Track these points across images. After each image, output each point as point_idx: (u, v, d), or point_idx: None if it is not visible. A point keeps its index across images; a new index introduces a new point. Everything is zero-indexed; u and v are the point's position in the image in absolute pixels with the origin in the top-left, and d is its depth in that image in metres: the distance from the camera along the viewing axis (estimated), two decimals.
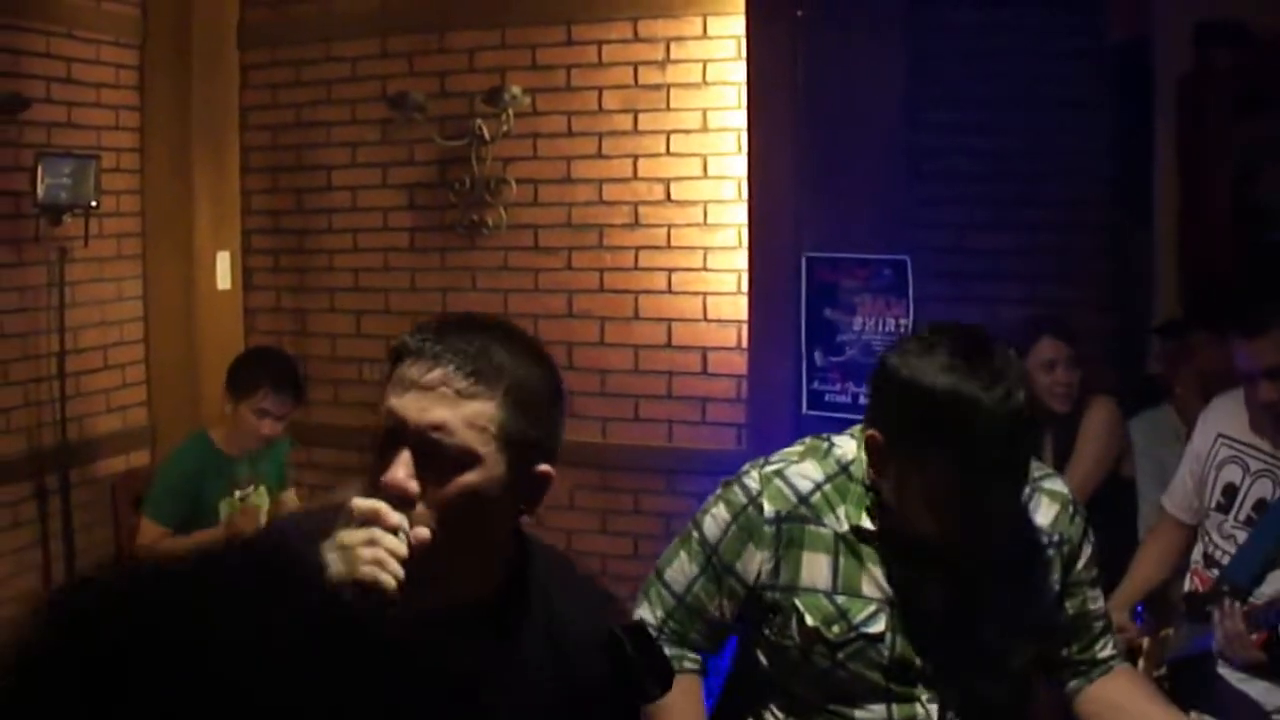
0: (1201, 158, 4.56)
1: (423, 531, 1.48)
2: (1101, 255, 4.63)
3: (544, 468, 1.58)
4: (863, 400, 4.15)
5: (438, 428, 1.49)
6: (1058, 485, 2.12)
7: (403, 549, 1.46)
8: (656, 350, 4.89)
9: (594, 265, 4.95)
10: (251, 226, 5.40)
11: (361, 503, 1.49)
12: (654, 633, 2.06)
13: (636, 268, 4.90)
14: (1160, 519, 3.38)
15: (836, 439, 2.11)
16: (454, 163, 5.07)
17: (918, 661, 2.01)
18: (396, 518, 1.47)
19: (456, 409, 1.50)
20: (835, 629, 2.01)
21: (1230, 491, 3.09)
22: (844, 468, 2.05)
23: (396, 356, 1.56)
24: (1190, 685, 3.06)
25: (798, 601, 2.03)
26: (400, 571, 1.45)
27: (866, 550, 2.02)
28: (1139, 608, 3.35)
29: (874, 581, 2.02)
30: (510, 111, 4.91)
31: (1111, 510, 3.55)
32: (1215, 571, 3.08)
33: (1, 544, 4.67)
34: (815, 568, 2.03)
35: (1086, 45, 4.59)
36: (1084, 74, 4.57)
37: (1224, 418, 3.18)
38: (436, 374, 1.51)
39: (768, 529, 2.04)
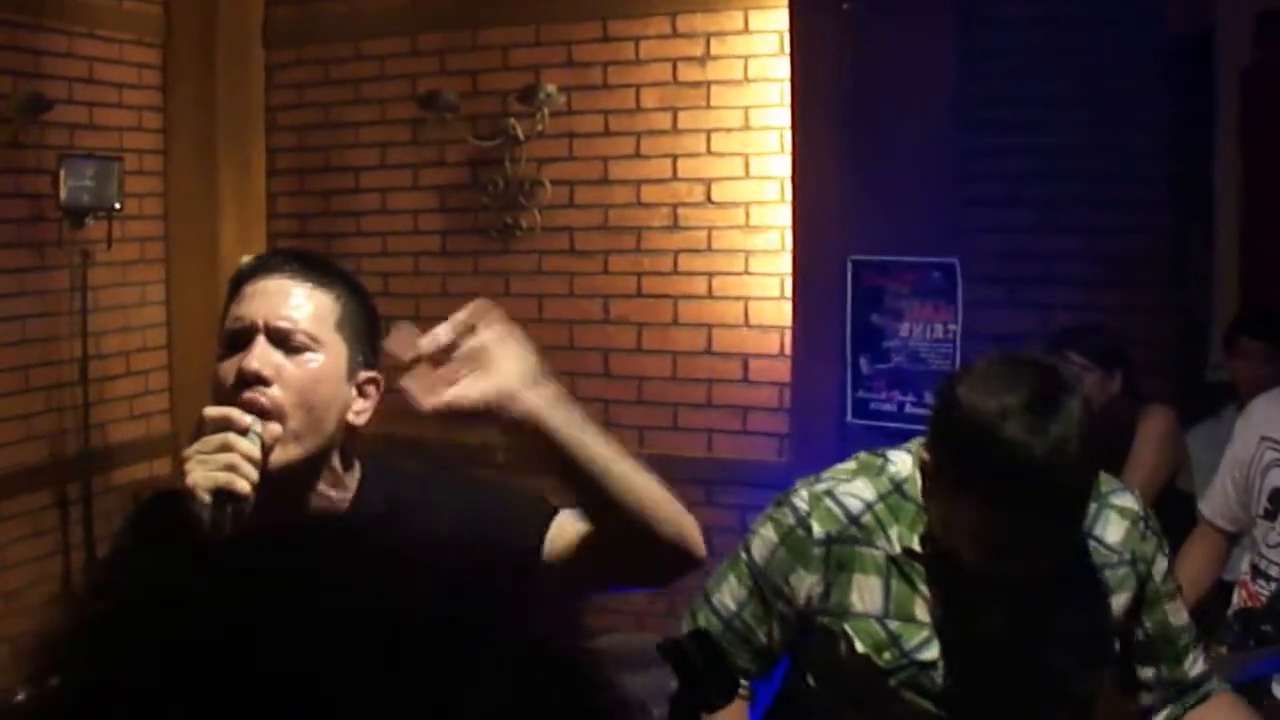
0: (1265, 154, 4.59)
1: (275, 427, 1.67)
2: (1160, 258, 4.66)
3: (373, 374, 1.81)
4: (909, 409, 4.28)
5: (286, 318, 1.73)
6: (1128, 500, 2.11)
7: (256, 451, 1.63)
8: (696, 357, 4.97)
9: (631, 269, 5.04)
10: (277, 230, 5.53)
11: (212, 410, 1.66)
12: None
13: (675, 271, 4.98)
14: (1199, 527, 3.39)
15: (892, 454, 2.12)
16: (487, 164, 5.19)
17: (973, 690, 2.02)
18: (248, 420, 1.64)
19: (302, 302, 1.75)
20: (886, 655, 2.02)
21: (1277, 497, 3.10)
22: (898, 486, 2.06)
23: (232, 292, 1.79)
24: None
25: (848, 627, 2.04)
26: (254, 474, 1.61)
27: (920, 572, 2.03)
28: None
29: (928, 606, 2.03)
30: (545, 110, 5.03)
31: (1169, 525, 3.59)
32: (1263, 584, 3.11)
33: (22, 552, 4.81)
34: (866, 591, 2.04)
35: (1145, 38, 4.62)
36: (1142, 69, 4.60)
37: (1267, 420, 3.19)
38: (278, 278, 1.76)
39: (817, 551, 2.05)
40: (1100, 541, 2.07)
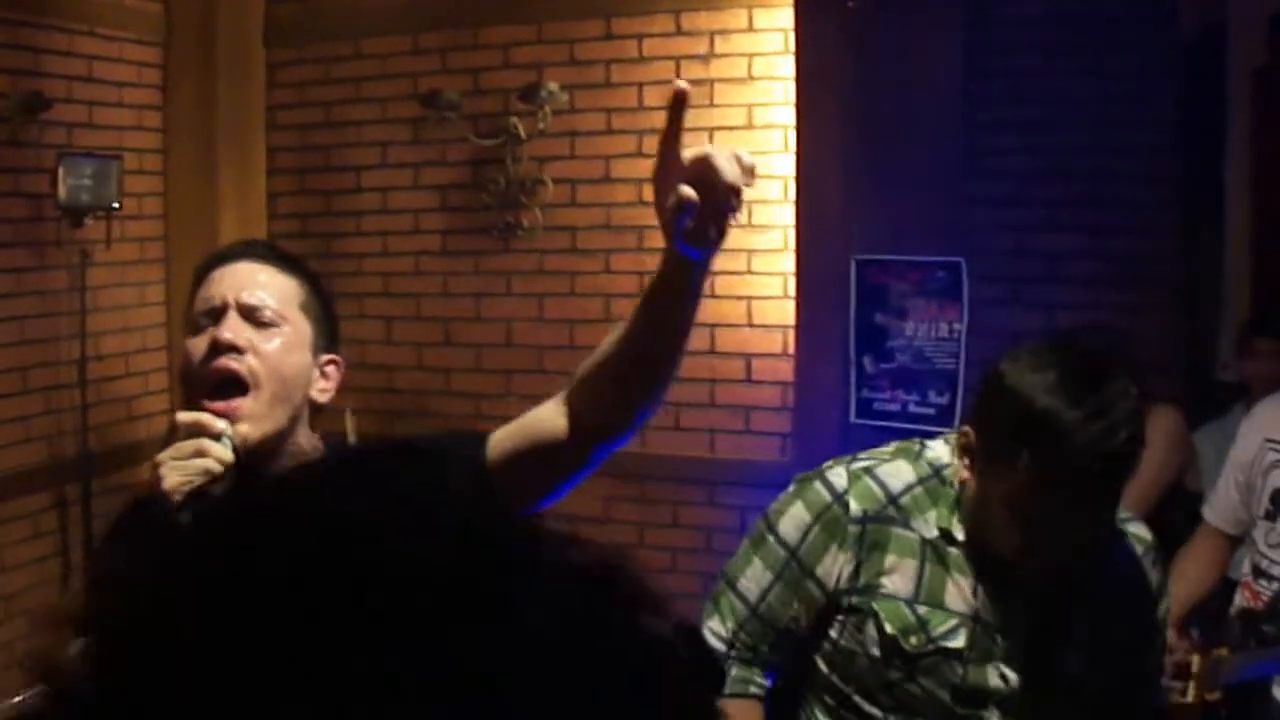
0: (1277, 154, 4.60)
1: (244, 428, 1.76)
2: (1169, 258, 4.67)
3: (333, 356, 1.94)
4: (913, 409, 4.28)
5: (254, 295, 1.86)
6: (1142, 530, 2.17)
7: (228, 454, 1.71)
8: (698, 356, 4.96)
9: (633, 268, 5.04)
10: (278, 230, 5.53)
11: (185, 416, 1.75)
12: (724, 647, 2.10)
13: None
14: (1201, 529, 3.43)
15: (929, 442, 2.16)
16: (488, 163, 5.21)
17: (992, 684, 2.04)
18: (220, 424, 1.73)
19: (267, 282, 1.89)
20: (913, 640, 2.04)
21: (1278, 498, 3.15)
22: (937, 471, 2.09)
23: (198, 280, 1.92)
24: (1246, 710, 3.11)
25: (876, 607, 2.05)
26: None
27: (954, 558, 2.05)
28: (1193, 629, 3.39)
29: (959, 593, 2.05)
30: (547, 109, 5.04)
31: (1175, 525, 3.61)
32: (1265, 583, 3.13)
33: (21, 555, 4.82)
34: (898, 574, 2.06)
35: (1155, 37, 4.63)
36: (1152, 67, 4.61)
37: (1270, 422, 3.24)
38: (244, 262, 1.90)
39: (853, 529, 2.06)
40: (1117, 562, 2.11)
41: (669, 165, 1.62)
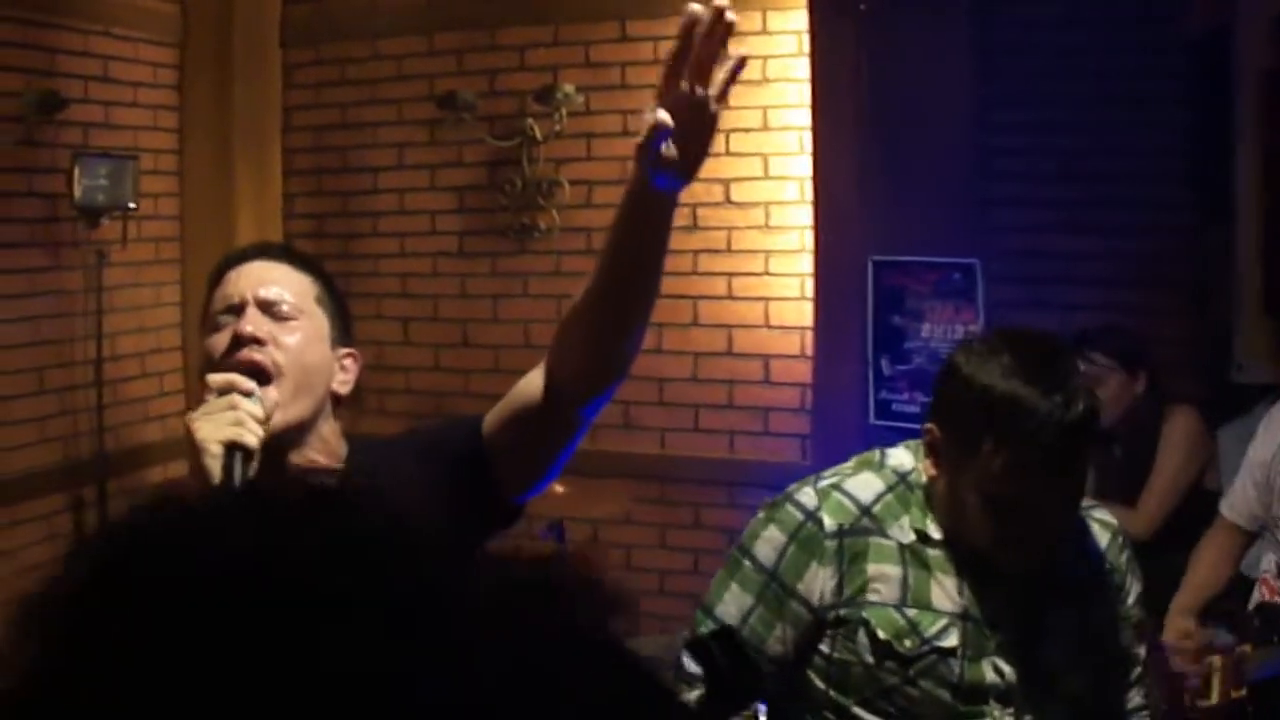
0: None
1: (273, 393, 1.81)
2: (1182, 258, 4.71)
3: (349, 350, 2.00)
4: None
5: (271, 290, 1.92)
6: (1107, 515, 2.24)
7: (259, 411, 1.76)
8: (717, 358, 5.02)
9: None
10: (294, 231, 5.56)
11: (216, 376, 1.80)
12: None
13: (695, 272, 5.02)
14: (1217, 523, 3.50)
15: (889, 451, 2.19)
16: (504, 164, 5.24)
17: (989, 679, 2.08)
18: (250, 384, 1.78)
19: (283, 278, 1.95)
20: (907, 643, 2.06)
21: None
22: (902, 477, 2.13)
23: (214, 283, 1.97)
24: (1272, 705, 3.16)
25: (866, 615, 2.08)
26: (260, 431, 1.75)
27: (935, 559, 2.09)
28: (1221, 629, 3.43)
29: (945, 593, 2.09)
30: (563, 111, 5.08)
31: (1196, 524, 3.66)
32: None
33: (36, 557, 4.82)
34: (883, 581, 2.09)
35: (1165, 38, 4.67)
36: (1162, 68, 4.65)
37: None
38: (258, 261, 1.96)
39: (830, 544, 2.08)
40: (1087, 550, 2.18)
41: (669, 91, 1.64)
